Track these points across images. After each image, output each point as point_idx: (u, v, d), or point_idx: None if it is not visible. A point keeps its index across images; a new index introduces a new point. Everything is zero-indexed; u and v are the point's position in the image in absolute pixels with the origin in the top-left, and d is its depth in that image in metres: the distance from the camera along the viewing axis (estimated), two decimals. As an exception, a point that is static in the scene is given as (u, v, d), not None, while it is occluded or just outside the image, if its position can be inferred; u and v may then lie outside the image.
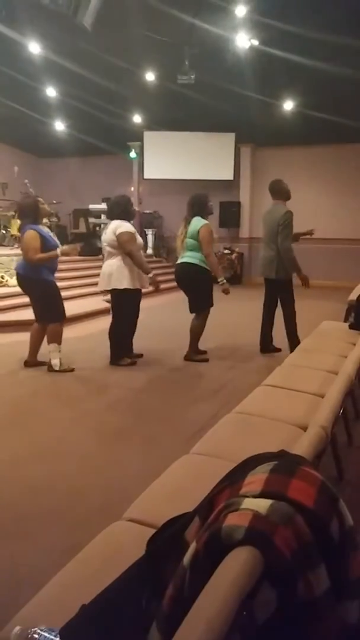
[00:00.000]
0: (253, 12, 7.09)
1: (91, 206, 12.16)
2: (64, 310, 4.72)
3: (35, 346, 4.82)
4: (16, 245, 9.91)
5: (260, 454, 1.03)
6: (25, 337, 6.21)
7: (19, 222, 10.06)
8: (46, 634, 1.05)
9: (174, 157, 12.91)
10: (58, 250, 4.53)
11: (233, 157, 12.86)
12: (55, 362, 4.65)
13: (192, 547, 0.88)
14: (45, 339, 4.75)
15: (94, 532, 1.52)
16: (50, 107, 11.18)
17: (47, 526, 2.28)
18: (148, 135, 12.95)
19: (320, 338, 4.26)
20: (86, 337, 6.25)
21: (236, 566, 0.75)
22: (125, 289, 4.68)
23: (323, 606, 0.82)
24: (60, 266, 9.94)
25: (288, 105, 10.44)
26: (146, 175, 13.37)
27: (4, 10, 7.05)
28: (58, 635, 1.01)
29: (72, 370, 4.69)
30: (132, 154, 13.56)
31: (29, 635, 1.06)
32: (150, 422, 3.56)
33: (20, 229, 4.58)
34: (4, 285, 7.76)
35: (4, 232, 10.67)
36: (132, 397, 4.13)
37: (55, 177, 14.18)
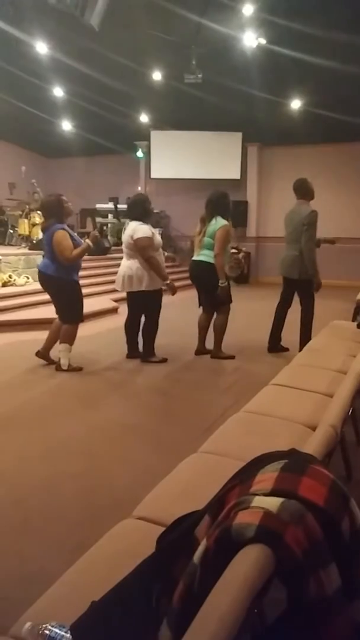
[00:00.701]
0: (260, 11, 7.08)
1: (98, 206, 12.18)
2: (82, 312, 4.75)
3: (51, 341, 4.85)
4: (23, 245, 9.94)
5: (270, 452, 1.03)
6: (32, 336, 6.24)
7: (26, 221, 10.15)
8: (57, 630, 1.06)
9: (181, 157, 12.91)
10: (88, 241, 4.48)
11: (240, 157, 12.84)
12: (64, 362, 4.66)
13: (203, 544, 0.89)
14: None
15: (103, 530, 1.53)
16: (57, 107, 11.22)
17: (56, 524, 2.29)
18: (155, 135, 12.96)
19: (329, 337, 4.24)
20: (93, 337, 6.26)
21: (247, 564, 0.75)
22: (147, 290, 4.73)
23: (334, 605, 0.81)
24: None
25: (295, 104, 10.41)
26: (153, 175, 13.37)
27: (12, 10, 7.08)
28: (69, 632, 1.01)
29: (80, 369, 4.71)
30: (139, 154, 13.57)
31: (40, 631, 1.07)
32: (158, 421, 3.57)
33: (44, 228, 4.58)
34: (11, 285, 7.79)
35: (11, 231, 10.71)
36: (139, 396, 4.14)
37: (63, 177, 14.22)
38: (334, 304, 7.61)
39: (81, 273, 9.93)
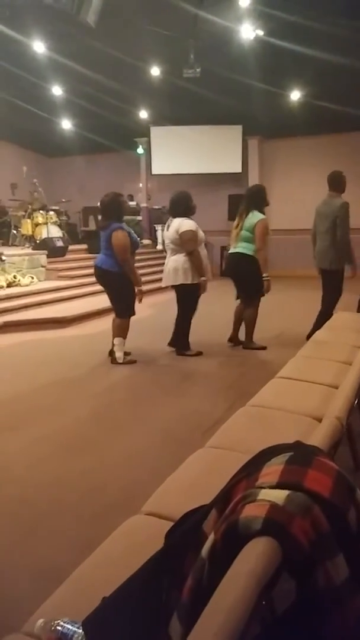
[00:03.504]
0: (257, 3, 7.04)
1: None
2: (134, 307, 4.87)
3: None
4: (27, 245, 9.95)
5: (275, 445, 1.04)
6: (37, 336, 6.27)
7: (29, 221, 10.16)
8: (69, 626, 1.07)
9: (181, 152, 12.88)
10: (137, 288, 4.74)
11: (241, 150, 12.80)
12: (119, 355, 4.81)
13: (210, 538, 0.89)
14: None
15: (113, 526, 1.54)
16: (56, 106, 11.21)
17: (67, 521, 2.30)
18: (155, 131, 12.93)
19: (334, 329, 4.23)
20: (99, 334, 6.28)
21: (254, 557, 0.75)
22: (191, 283, 4.84)
23: (343, 595, 0.82)
24: (71, 264, 10.00)
25: (295, 95, 10.35)
26: (154, 171, 13.35)
27: (8, 10, 7.07)
28: (80, 628, 1.02)
29: (134, 362, 4.84)
30: (140, 150, 13.54)
31: (53, 628, 1.08)
32: (167, 414, 3.57)
33: (103, 227, 4.74)
34: (16, 285, 7.81)
35: (14, 232, 10.73)
36: (146, 389, 4.15)
37: (64, 176, 14.22)
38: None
39: (84, 271, 9.93)
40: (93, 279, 8.91)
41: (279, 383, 2.78)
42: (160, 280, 9.93)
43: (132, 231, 4.81)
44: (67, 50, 8.46)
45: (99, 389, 4.24)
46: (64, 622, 1.09)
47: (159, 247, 12.89)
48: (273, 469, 0.92)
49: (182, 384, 4.35)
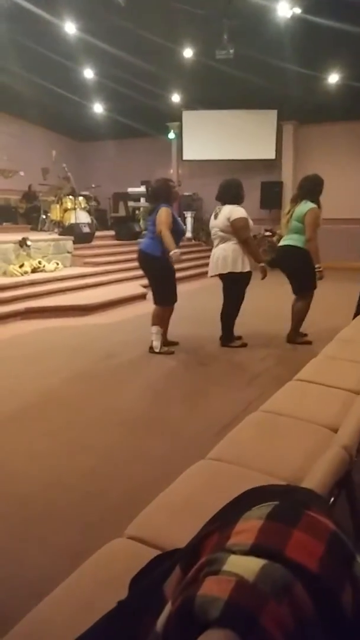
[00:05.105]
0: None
1: (130, 189, 12.00)
2: (175, 296, 4.76)
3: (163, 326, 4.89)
4: (56, 230, 9.89)
5: (261, 486, 0.84)
6: (60, 323, 6.18)
7: (58, 206, 10.09)
8: None
9: (213, 137, 12.56)
10: (177, 251, 4.43)
11: (275, 136, 12.40)
12: (157, 344, 4.71)
13: (167, 608, 0.71)
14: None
15: (104, 538, 1.40)
16: (87, 89, 11.07)
17: (59, 528, 2.16)
18: (187, 115, 12.64)
19: (362, 327, 3.96)
20: (120, 323, 6.15)
21: (207, 657, 0.57)
22: (240, 272, 4.71)
23: None
24: (97, 251, 9.89)
25: (333, 78, 9.90)
26: (185, 157, 13.09)
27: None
28: None
29: (172, 352, 4.72)
30: (171, 135, 13.28)
31: None
32: (181, 414, 3.40)
33: (151, 210, 4.73)
34: (41, 271, 7.75)
35: (43, 217, 10.68)
36: (162, 387, 3.99)
37: (94, 161, 14.11)
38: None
39: (110, 258, 9.85)
40: (119, 265, 8.89)
41: (296, 386, 2.56)
42: (190, 268, 9.73)
43: (179, 219, 4.69)
44: (97, 31, 8.27)
45: (116, 382, 4.09)
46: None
47: (188, 234, 12.66)
48: (249, 525, 0.72)
49: (206, 380, 4.16)
